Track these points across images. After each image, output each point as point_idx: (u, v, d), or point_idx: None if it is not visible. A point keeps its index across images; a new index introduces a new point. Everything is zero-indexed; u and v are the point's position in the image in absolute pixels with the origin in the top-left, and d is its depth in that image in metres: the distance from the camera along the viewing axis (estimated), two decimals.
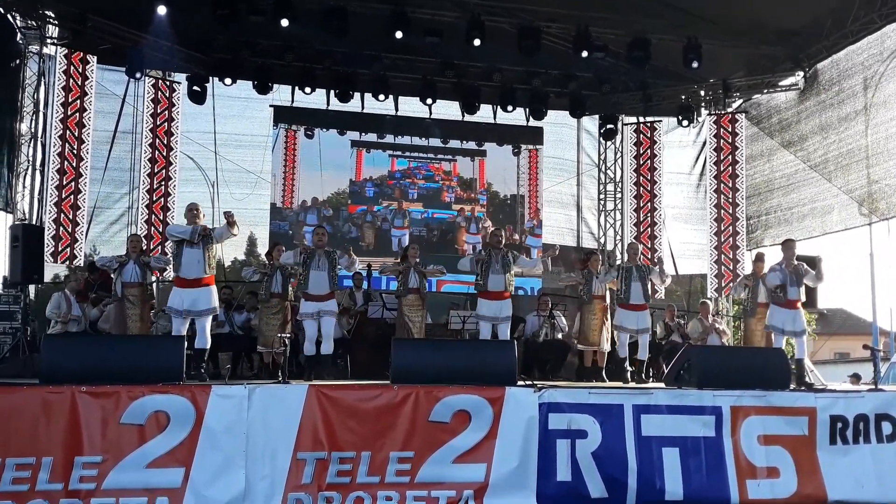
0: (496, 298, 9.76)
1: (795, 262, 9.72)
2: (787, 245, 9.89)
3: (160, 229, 14.78)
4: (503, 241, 10.18)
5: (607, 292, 10.63)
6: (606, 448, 7.08)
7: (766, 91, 16.22)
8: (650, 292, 10.46)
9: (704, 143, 17.01)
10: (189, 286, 8.56)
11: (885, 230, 13.60)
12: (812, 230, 14.93)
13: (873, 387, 8.54)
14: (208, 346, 8.72)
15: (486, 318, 9.76)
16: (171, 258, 9.05)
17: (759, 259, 10.79)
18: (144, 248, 10.26)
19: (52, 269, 14.38)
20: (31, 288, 13.26)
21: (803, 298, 9.83)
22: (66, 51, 13.74)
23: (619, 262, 10.41)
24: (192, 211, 8.81)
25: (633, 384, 9.59)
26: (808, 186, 15.09)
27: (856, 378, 14.27)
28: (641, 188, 17.31)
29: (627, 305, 10.22)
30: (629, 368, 10.34)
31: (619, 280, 10.27)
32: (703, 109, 17.02)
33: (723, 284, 16.19)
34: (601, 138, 17.84)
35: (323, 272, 9.20)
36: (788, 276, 9.59)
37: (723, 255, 16.26)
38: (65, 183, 13.65)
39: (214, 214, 14.29)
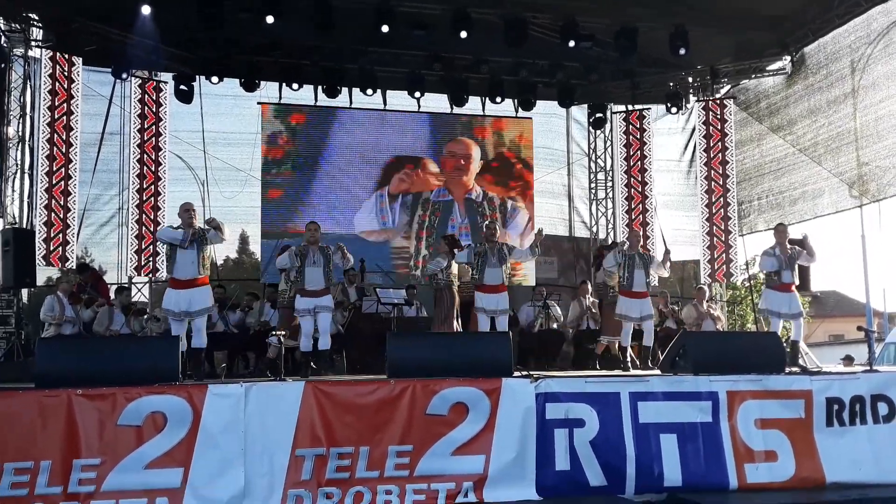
0: (493, 292, 9.78)
1: (788, 246, 9.81)
2: (779, 229, 10.01)
3: (151, 229, 14.76)
4: (497, 235, 10.18)
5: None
6: (604, 436, 7.07)
7: (753, 76, 16.27)
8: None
9: (694, 130, 17.03)
10: (184, 287, 8.50)
11: (876, 212, 13.66)
12: (804, 213, 14.98)
13: (868, 368, 8.55)
14: (205, 345, 8.71)
15: (485, 311, 9.78)
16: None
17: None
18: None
19: (45, 273, 14.35)
20: (24, 292, 13.24)
21: (797, 282, 9.91)
22: (52, 53, 13.66)
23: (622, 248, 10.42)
24: (187, 211, 8.63)
25: (631, 371, 9.63)
26: (799, 170, 15.14)
27: (848, 360, 14.29)
28: (632, 176, 17.33)
29: (629, 293, 10.26)
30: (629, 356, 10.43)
31: (621, 268, 10.30)
32: (691, 96, 17.04)
33: (715, 269, 16.24)
34: (591, 127, 17.85)
35: (318, 268, 9.15)
36: (782, 261, 9.67)
37: (715, 241, 16.30)
38: (54, 185, 13.59)
39: (206, 213, 14.29)
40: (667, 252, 10.82)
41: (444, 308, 10.56)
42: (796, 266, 9.83)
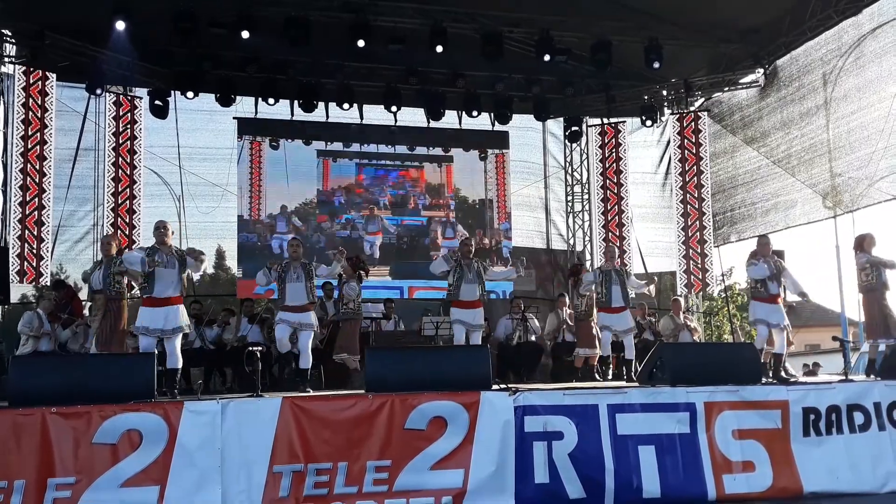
0: (469, 307, 9.75)
1: (774, 258, 9.70)
2: (762, 241, 9.85)
3: (127, 246, 14.64)
4: (473, 251, 10.12)
5: None
6: (583, 449, 7.08)
7: (727, 89, 16.39)
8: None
9: (668, 143, 17.14)
10: (160, 304, 8.32)
11: (850, 222, 13.74)
12: (776, 224, 15.08)
13: (844, 378, 8.61)
14: (180, 366, 8.50)
15: (461, 322, 9.75)
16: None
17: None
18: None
19: (19, 290, 14.19)
20: None
21: (782, 294, 9.77)
22: (25, 69, 13.56)
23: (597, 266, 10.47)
24: (158, 229, 8.44)
25: (609, 383, 9.65)
26: (772, 181, 15.25)
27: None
28: (608, 189, 17.39)
29: (609, 309, 10.30)
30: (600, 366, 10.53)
31: (599, 284, 10.35)
32: (665, 109, 17.17)
33: (692, 281, 16.33)
34: (566, 141, 17.91)
35: (300, 283, 9.06)
36: (770, 271, 9.56)
37: (691, 252, 16.39)
38: (28, 202, 13.46)
39: (182, 229, 14.23)
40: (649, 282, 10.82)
41: (349, 338, 10.64)
42: (782, 280, 9.67)
